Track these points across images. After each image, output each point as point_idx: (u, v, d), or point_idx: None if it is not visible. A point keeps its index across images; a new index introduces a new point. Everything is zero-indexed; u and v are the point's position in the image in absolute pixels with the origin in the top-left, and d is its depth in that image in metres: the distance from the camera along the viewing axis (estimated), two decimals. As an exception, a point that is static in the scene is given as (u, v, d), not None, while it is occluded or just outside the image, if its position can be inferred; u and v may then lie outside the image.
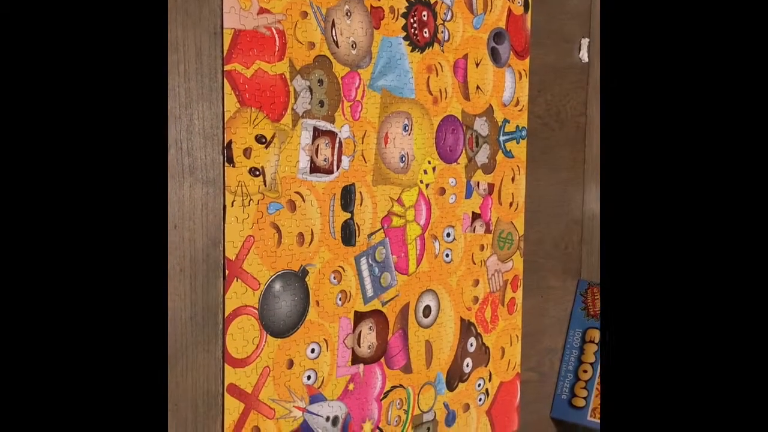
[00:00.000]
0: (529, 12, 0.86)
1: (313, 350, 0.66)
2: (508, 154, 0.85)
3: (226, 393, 0.60)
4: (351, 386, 0.70)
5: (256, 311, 0.62)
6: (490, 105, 0.82)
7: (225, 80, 0.58)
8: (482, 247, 0.83)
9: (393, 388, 0.74)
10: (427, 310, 0.77)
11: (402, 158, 0.73)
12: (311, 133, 0.65)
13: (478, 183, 0.82)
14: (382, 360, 0.73)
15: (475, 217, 0.82)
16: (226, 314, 0.60)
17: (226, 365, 0.60)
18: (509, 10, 0.83)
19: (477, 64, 0.80)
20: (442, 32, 0.76)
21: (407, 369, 0.76)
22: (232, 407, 0.60)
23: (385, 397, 0.73)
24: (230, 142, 0.59)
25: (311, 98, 0.64)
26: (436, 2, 0.75)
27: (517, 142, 0.87)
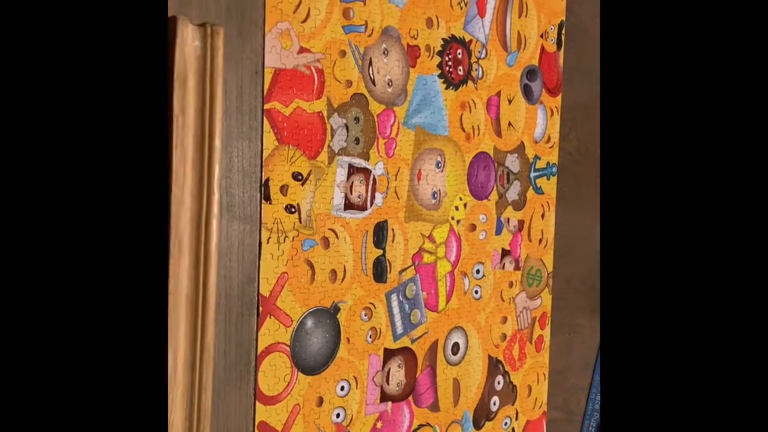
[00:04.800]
0: (562, 49, 0.86)
1: (342, 387, 0.66)
2: (539, 191, 0.85)
3: (256, 430, 0.60)
4: (379, 424, 0.70)
5: (288, 348, 0.62)
6: (522, 142, 0.82)
7: (264, 118, 0.59)
8: (511, 284, 0.83)
9: (420, 426, 0.74)
10: (455, 348, 0.77)
11: (434, 195, 0.73)
12: (346, 170, 0.65)
13: (509, 219, 0.82)
14: (410, 398, 0.73)
15: (505, 253, 0.82)
16: (259, 351, 0.60)
17: (257, 402, 0.60)
18: (542, 48, 0.84)
19: (510, 101, 0.80)
20: (476, 70, 0.76)
21: (435, 407, 0.75)
22: (262, 445, 0.60)
23: (412, 435, 0.73)
24: (268, 180, 0.59)
25: (347, 135, 0.65)
26: (471, 40, 0.75)
27: (548, 179, 0.86)
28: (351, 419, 0.67)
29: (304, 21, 0.61)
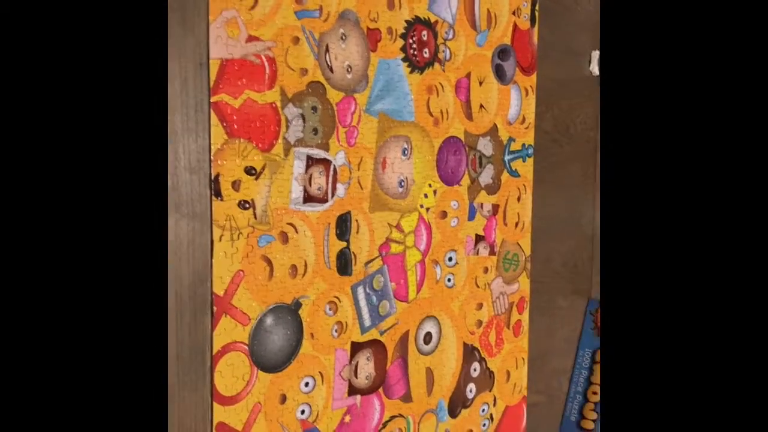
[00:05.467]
0: (536, 26, 0.83)
1: (307, 384, 0.65)
2: (514, 174, 0.83)
3: (215, 431, 0.59)
4: (347, 418, 0.68)
5: (246, 347, 0.60)
6: (495, 124, 0.80)
7: (212, 112, 0.57)
8: (486, 270, 0.81)
9: (392, 417, 0.72)
10: (427, 337, 0.75)
11: (401, 183, 0.71)
12: (304, 162, 0.63)
13: (482, 204, 0.80)
14: (381, 390, 0.71)
15: (479, 239, 0.80)
16: (215, 351, 0.58)
17: (214, 403, 0.58)
18: (515, 26, 0.81)
19: (480, 83, 0.78)
20: (443, 51, 0.74)
21: (407, 398, 0.74)
22: (221, 446, 0.59)
23: (383, 427, 0.72)
24: (218, 176, 0.57)
25: (304, 126, 0.62)
26: (436, 21, 0.72)
27: (524, 161, 0.84)
28: (317, 415, 0.66)
29: (252, 8, 0.58)
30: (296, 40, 0.62)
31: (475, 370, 0.81)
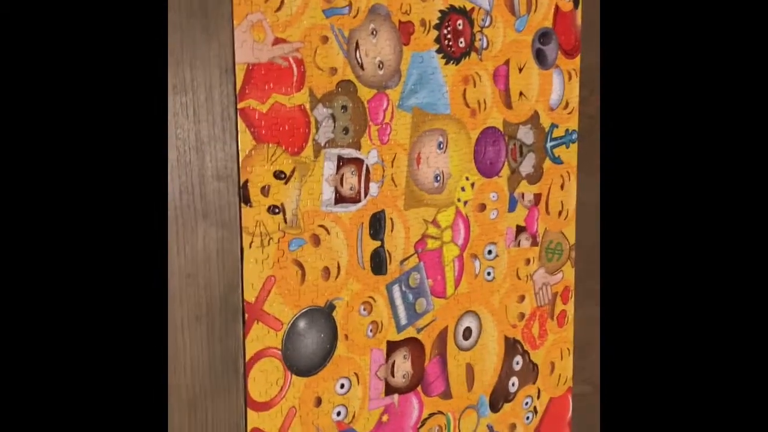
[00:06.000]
0: (579, 7, 0.80)
1: (342, 386, 0.64)
2: (557, 161, 0.80)
3: (249, 437, 0.59)
4: (385, 418, 0.68)
5: (279, 352, 0.60)
6: (536, 111, 0.77)
7: (239, 118, 0.56)
8: (528, 261, 0.79)
9: (431, 415, 0.72)
10: (467, 333, 0.74)
11: (437, 178, 0.69)
12: (335, 163, 0.62)
13: (523, 194, 0.77)
14: (419, 388, 0.70)
15: (520, 230, 0.78)
16: (247, 358, 0.58)
17: (248, 410, 0.58)
18: (556, 8, 0.78)
19: (520, 70, 0.75)
20: (479, 40, 0.71)
21: (446, 395, 0.73)
22: (257, 451, 0.59)
23: (422, 425, 0.71)
24: (246, 182, 0.57)
25: (334, 126, 0.61)
26: (472, 9, 0.70)
27: (567, 147, 0.81)
28: (353, 416, 0.65)
29: (278, 9, 0.57)
30: (325, 39, 0.60)
31: (517, 363, 0.80)
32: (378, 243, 0.66)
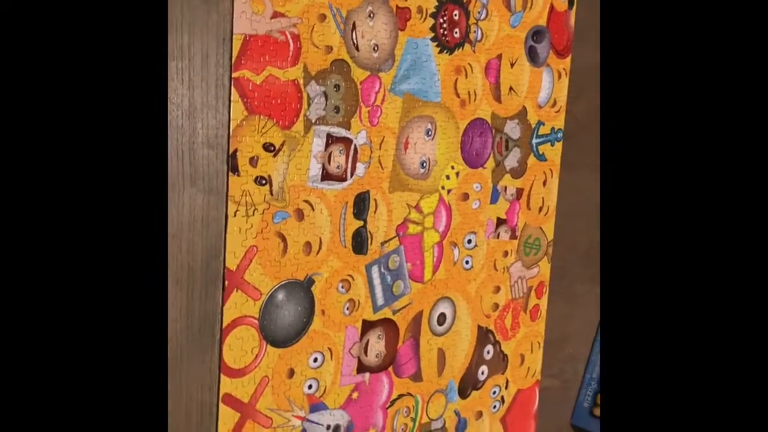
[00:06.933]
0: (574, 8, 0.81)
1: (315, 359, 0.65)
2: (541, 158, 0.82)
3: (221, 403, 0.60)
4: (355, 395, 0.69)
5: (257, 321, 0.61)
6: (524, 107, 0.79)
7: (233, 88, 0.57)
8: (506, 254, 0.81)
9: (400, 396, 0.73)
10: (441, 318, 0.75)
11: (423, 164, 0.71)
12: (324, 140, 0.63)
13: (506, 188, 0.79)
14: (390, 368, 0.72)
15: (500, 222, 0.79)
16: (224, 324, 0.59)
17: (222, 375, 0.59)
18: (551, 7, 0.79)
19: (512, 65, 0.76)
20: (474, 32, 0.72)
21: (417, 377, 0.74)
22: (227, 417, 0.60)
23: (391, 405, 0.72)
24: (235, 151, 0.58)
25: (326, 104, 0.62)
26: (469, 0, 0.71)
27: (552, 145, 0.83)
28: (324, 390, 0.67)
29: (279, -16, 0.58)
30: (323, 18, 0.61)
31: (488, 352, 0.81)
32: (361, 223, 0.67)
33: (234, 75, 0.57)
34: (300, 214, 0.62)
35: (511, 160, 0.79)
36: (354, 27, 0.63)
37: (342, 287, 0.66)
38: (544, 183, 0.83)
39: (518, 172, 0.80)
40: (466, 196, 0.75)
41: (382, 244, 0.69)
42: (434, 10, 0.69)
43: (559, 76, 0.82)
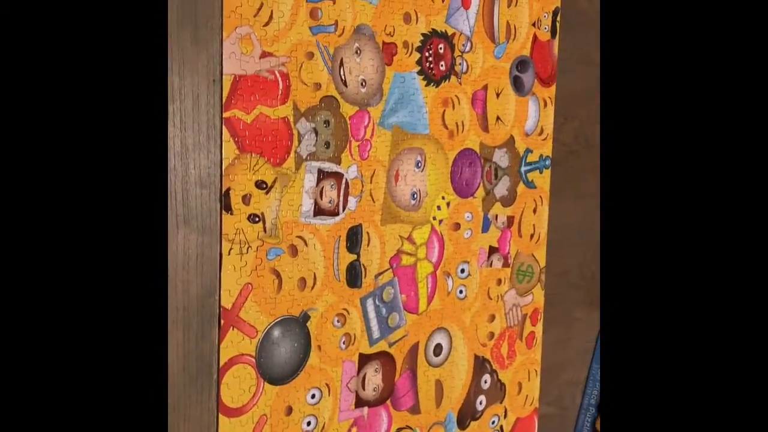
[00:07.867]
0: (557, 37, 0.83)
1: (313, 396, 0.65)
2: (530, 185, 0.83)
3: (220, 443, 0.59)
4: (354, 430, 0.69)
5: (253, 359, 0.61)
6: (512, 136, 0.80)
7: (224, 127, 0.57)
8: (499, 282, 0.81)
9: (399, 430, 0.73)
10: (438, 349, 0.75)
11: (413, 195, 0.71)
12: (315, 176, 0.63)
13: (497, 216, 0.79)
14: (388, 402, 0.71)
15: (493, 251, 0.80)
16: (221, 364, 0.59)
17: (220, 415, 0.59)
18: (534, 37, 0.80)
19: (498, 95, 0.77)
20: (459, 64, 0.73)
21: (415, 410, 0.74)
22: (226, 457, 0.60)
23: (390, 438, 0.72)
24: (228, 190, 0.58)
25: (316, 140, 0.63)
26: (454, 34, 0.72)
27: (540, 172, 0.84)
28: (323, 427, 0.66)
29: (267, 24, 0.59)
30: (310, 56, 0.62)
31: (485, 382, 0.81)
32: (354, 256, 0.67)
33: (225, 115, 0.57)
34: (294, 250, 0.63)
35: (501, 189, 0.79)
36: (341, 63, 0.64)
37: (338, 321, 0.66)
38: (534, 210, 0.84)
39: (508, 200, 0.80)
40: (457, 226, 0.75)
41: (376, 276, 0.69)
42: (420, 44, 0.70)
43: (545, 104, 0.83)
